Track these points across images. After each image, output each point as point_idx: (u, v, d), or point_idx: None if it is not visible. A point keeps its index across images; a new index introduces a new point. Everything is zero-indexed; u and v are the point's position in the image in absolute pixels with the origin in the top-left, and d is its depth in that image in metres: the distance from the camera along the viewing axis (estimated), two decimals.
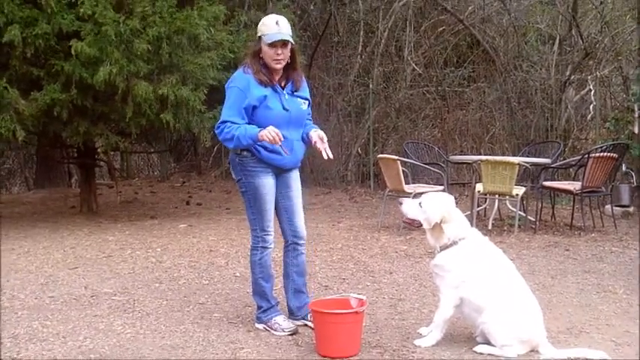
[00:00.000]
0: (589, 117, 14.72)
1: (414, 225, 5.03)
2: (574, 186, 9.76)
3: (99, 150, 12.70)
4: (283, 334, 5.15)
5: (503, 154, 13.51)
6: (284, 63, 5.11)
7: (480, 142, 15.49)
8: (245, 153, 5.10)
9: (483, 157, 10.07)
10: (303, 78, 5.35)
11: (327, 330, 4.72)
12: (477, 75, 16.81)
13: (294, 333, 5.17)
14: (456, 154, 13.90)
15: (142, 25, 9.50)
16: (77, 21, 9.47)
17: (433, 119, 16.86)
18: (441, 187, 10.13)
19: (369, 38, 17.54)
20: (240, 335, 5.20)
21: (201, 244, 8.97)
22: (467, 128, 15.83)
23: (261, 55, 5.08)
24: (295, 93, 5.22)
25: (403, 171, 9.98)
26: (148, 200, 14.47)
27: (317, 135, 5.17)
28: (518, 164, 9.40)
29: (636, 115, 12.16)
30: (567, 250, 8.42)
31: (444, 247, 4.88)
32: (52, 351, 4.86)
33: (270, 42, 4.99)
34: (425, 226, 4.92)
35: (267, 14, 5.25)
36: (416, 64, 17.03)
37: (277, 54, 5.03)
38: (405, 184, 9.90)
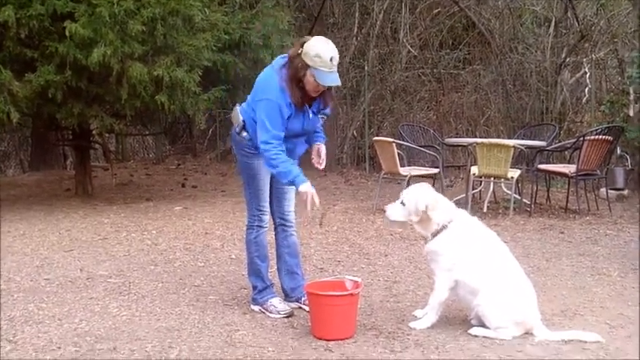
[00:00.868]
0: (584, 100, 14.74)
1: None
2: (569, 169, 9.77)
3: (94, 132, 12.64)
4: (278, 316, 5.17)
5: (498, 137, 13.51)
6: None
7: (475, 124, 15.50)
8: (245, 135, 5.09)
9: (479, 140, 10.07)
10: (333, 97, 5.27)
11: (322, 312, 4.73)
12: (473, 57, 16.79)
13: (289, 315, 5.18)
14: (451, 137, 13.90)
15: (137, 6, 9.43)
16: (71, 2, 9.41)
17: (428, 102, 16.87)
18: (437, 170, 10.16)
19: (365, 20, 17.49)
20: (236, 317, 5.21)
21: (196, 227, 8.97)
22: (462, 111, 15.84)
23: (303, 81, 4.84)
24: (320, 111, 5.14)
25: (398, 153, 9.98)
26: (144, 183, 14.45)
27: (316, 151, 5.23)
28: (514, 147, 9.40)
29: (631, 97, 12.16)
30: (562, 232, 8.44)
31: (435, 234, 4.89)
32: (47, 333, 4.87)
33: (322, 83, 4.81)
34: (413, 219, 4.92)
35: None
36: (411, 46, 17.01)
37: (320, 89, 4.89)
38: (401, 166, 9.91)
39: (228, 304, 5.57)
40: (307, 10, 16.95)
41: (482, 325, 4.73)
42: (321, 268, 6.74)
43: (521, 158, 10.62)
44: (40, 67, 9.54)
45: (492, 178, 9.78)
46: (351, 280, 4.90)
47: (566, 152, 11.34)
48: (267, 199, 5.27)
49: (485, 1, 17.13)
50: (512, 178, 9.45)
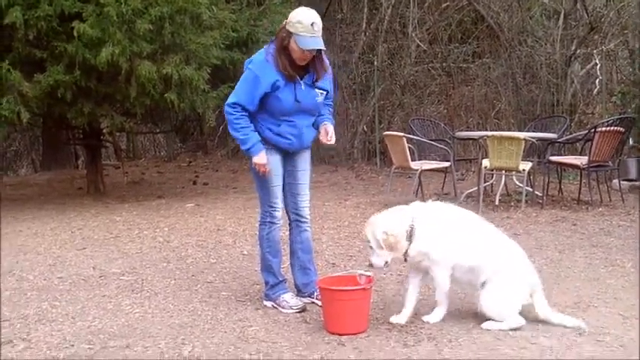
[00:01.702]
0: (595, 91, 14.64)
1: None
2: (581, 161, 9.72)
3: (104, 131, 12.70)
4: (291, 311, 5.17)
5: (509, 130, 13.45)
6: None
7: (485, 117, 15.43)
8: None
9: (489, 133, 10.04)
10: (328, 69, 5.25)
11: (335, 307, 4.73)
12: (482, 51, 16.70)
13: (302, 310, 5.18)
14: (461, 130, 13.84)
15: (144, 4, 9.46)
16: (79, 2, 9.46)
17: (438, 95, 16.80)
18: (448, 164, 10.13)
19: (373, 15, 17.45)
20: (249, 313, 5.21)
21: (208, 224, 8.98)
22: (472, 104, 15.77)
23: (288, 49, 4.95)
24: (315, 84, 5.13)
25: (409, 148, 9.96)
26: (155, 180, 14.49)
27: (324, 130, 5.19)
28: (525, 139, 9.37)
29: None
30: (575, 224, 8.40)
31: (409, 239, 4.77)
32: (61, 331, 4.88)
33: (304, 48, 4.90)
34: (395, 252, 4.78)
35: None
36: (420, 41, 16.95)
37: (306, 56, 4.96)
38: (412, 160, 9.89)
39: (240, 300, 5.57)
40: (315, 6, 16.89)
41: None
42: (333, 264, 6.73)
43: (533, 151, 10.58)
44: (49, 67, 9.59)
45: (504, 171, 9.74)
46: (364, 274, 4.88)
47: (577, 144, 11.29)
48: (279, 196, 5.26)
49: None
50: (523, 170, 9.42)
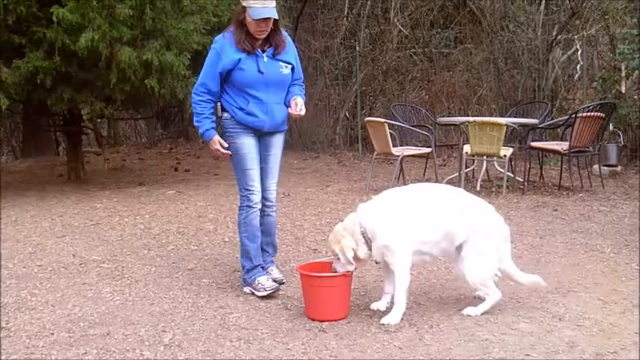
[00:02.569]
0: (576, 77, 14.72)
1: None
2: (562, 146, 9.76)
3: (85, 117, 12.60)
4: (264, 293, 5.20)
5: (490, 115, 13.52)
6: (267, 33, 5.14)
7: (467, 103, 15.47)
8: (225, 115, 5.25)
9: (471, 119, 10.06)
10: (288, 42, 5.34)
11: (315, 293, 4.73)
12: (464, 36, 16.73)
13: (274, 291, 5.22)
14: (443, 116, 13.87)
15: None
16: None
17: (420, 81, 16.82)
18: (429, 149, 10.14)
19: (355, 0, 17.40)
20: (230, 300, 5.20)
21: (189, 210, 8.95)
22: (454, 90, 15.79)
23: (245, 24, 5.08)
24: (277, 57, 5.23)
25: (391, 134, 9.96)
26: (136, 167, 14.40)
27: (294, 102, 5.27)
28: (506, 125, 9.39)
29: (623, 74, 12.17)
30: (555, 210, 8.45)
31: (367, 242, 4.71)
32: (40, 319, 4.86)
33: (254, 18, 4.99)
34: (360, 254, 4.72)
35: None
36: (402, 26, 16.94)
37: (260, 27, 5.06)
38: (393, 146, 9.89)
39: (221, 287, 5.56)
40: None
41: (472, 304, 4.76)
42: (315, 249, 6.74)
43: (514, 136, 10.63)
44: (28, 53, 9.47)
45: (485, 157, 9.79)
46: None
47: (558, 129, 11.34)
48: (256, 179, 5.30)
49: None
50: (505, 156, 9.46)
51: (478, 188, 9.77)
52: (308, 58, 16.40)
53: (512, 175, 9.92)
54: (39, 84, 9.58)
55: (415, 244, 4.67)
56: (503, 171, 9.81)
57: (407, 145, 10.51)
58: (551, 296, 5.09)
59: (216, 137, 5.23)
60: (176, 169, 13.61)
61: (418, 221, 4.66)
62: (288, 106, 5.31)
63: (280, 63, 5.24)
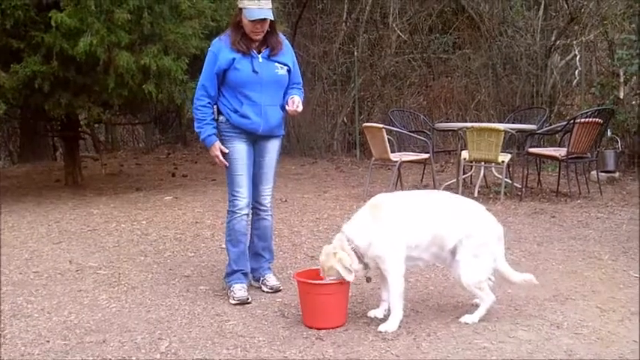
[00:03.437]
0: (574, 82, 14.72)
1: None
2: (560, 152, 9.75)
3: (82, 122, 12.58)
4: (232, 302, 5.24)
5: (488, 121, 13.49)
6: (263, 34, 5.19)
7: (465, 109, 15.47)
8: (221, 118, 5.31)
9: (469, 125, 10.04)
10: (285, 44, 5.38)
11: (313, 301, 4.71)
12: (462, 41, 16.74)
13: (241, 303, 5.21)
14: (441, 122, 13.87)
15: None
16: None
17: (418, 87, 16.83)
18: (427, 155, 10.13)
19: (354, 5, 17.42)
20: (226, 307, 5.18)
21: (186, 216, 8.92)
22: (452, 95, 15.80)
23: (241, 25, 5.15)
24: (272, 58, 5.27)
25: (389, 139, 9.95)
26: (133, 172, 14.38)
27: (291, 100, 5.30)
28: (504, 131, 9.38)
29: (621, 80, 12.17)
30: (553, 216, 8.43)
31: (360, 257, 4.70)
32: (36, 327, 4.83)
33: (250, 19, 5.05)
34: (354, 267, 4.70)
35: None
36: (401, 31, 16.95)
37: (256, 28, 5.12)
38: (391, 152, 9.88)
39: (218, 294, 5.54)
40: None
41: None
42: (312, 257, 6.69)
43: (512, 142, 10.61)
44: (26, 57, 9.45)
45: (483, 163, 9.76)
46: None
47: (556, 135, 11.33)
48: (244, 185, 5.34)
49: None
50: (502, 162, 9.44)
51: (476, 194, 9.75)
52: (306, 64, 16.38)
53: (510, 182, 9.91)
54: (37, 88, 9.56)
55: (405, 250, 4.66)
56: (501, 177, 9.79)
57: (405, 150, 10.50)
58: (549, 304, 5.07)
59: (217, 143, 5.27)
60: (173, 175, 13.59)
61: (405, 227, 4.66)
62: (284, 106, 5.34)
63: (276, 64, 5.28)
